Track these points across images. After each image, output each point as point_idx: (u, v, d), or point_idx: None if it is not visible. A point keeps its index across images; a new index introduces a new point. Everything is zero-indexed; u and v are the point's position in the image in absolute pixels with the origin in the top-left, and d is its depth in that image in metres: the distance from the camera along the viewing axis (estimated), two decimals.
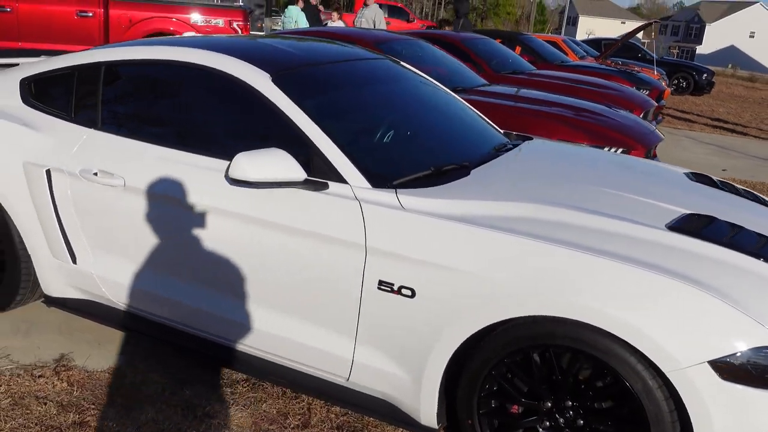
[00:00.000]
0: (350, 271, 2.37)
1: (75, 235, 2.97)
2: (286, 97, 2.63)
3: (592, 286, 2.05)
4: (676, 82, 17.68)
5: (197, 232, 2.63)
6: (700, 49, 69.71)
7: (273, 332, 2.59)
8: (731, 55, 64.06)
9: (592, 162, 3.11)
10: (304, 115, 2.59)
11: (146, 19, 9.41)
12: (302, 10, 10.39)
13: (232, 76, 2.74)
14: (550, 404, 2.23)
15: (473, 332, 2.21)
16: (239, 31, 9.69)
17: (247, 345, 2.68)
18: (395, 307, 2.33)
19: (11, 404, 2.61)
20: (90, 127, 2.97)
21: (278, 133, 2.61)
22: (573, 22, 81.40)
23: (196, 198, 2.62)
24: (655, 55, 8.68)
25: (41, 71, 3.20)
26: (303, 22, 10.27)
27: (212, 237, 2.61)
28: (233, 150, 2.57)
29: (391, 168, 2.59)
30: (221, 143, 2.72)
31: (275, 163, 2.38)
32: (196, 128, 2.81)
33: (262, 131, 2.69)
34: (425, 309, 2.27)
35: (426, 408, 2.38)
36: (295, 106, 2.61)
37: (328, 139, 2.53)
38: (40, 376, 2.81)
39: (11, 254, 3.11)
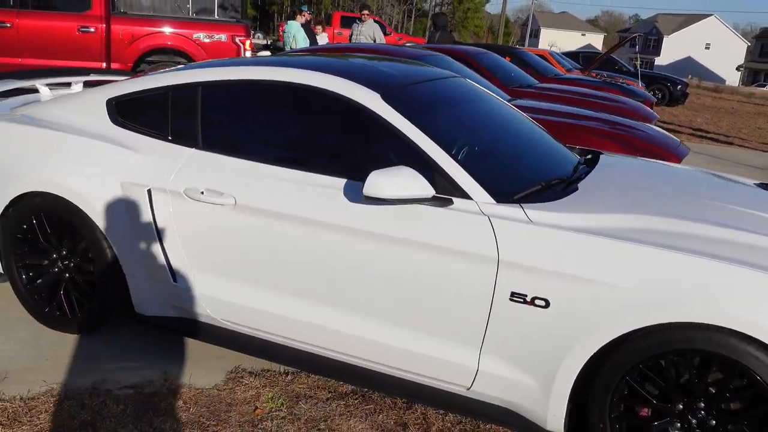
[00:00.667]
0: (481, 283, 2.45)
1: (175, 254, 3.00)
2: (399, 115, 2.72)
3: (728, 292, 2.17)
4: (651, 93, 18.18)
5: (315, 248, 2.69)
6: (658, 61, 71.66)
7: (392, 344, 2.66)
8: (688, 67, 65.92)
9: (674, 175, 3.25)
10: (421, 132, 2.68)
11: (148, 35, 9.38)
12: (302, 25, 10.47)
13: (342, 96, 2.81)
14: (681, 406, 2.34)
15: (609, 340, 2.31)
16: (242, 46, 9.72)
17: (363, 358, 2.74)
18: (527, 318, 2.42)
19: (135, 420, 2.62)
20: (190, 147, 3.00)
21: (394, 151, 2.69)
22: (535, 35, 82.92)
23: (313, 215, 2.68)
24: (639, 68, 8.97)
25: (129, 92, 3.23)
26: (301, 38, 10.34)
27: (330, 253, 2.67)
28: (346, 168, 2.67)
29: (505, 183, 2.69)
30: (333, 162, 2.78)
31: (407, 181, 2.46)
32: (306, 147, 2.87)
33: (375, 150, 2.76)
34: (560, 319, 2.37)
35: (553, 415, 2.47)
36: (410, 124, 2.69)
37: (448, 156, 2.62)
38: (152, 394, 2.83)
39: (104, 275, 3.11)
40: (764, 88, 38.01)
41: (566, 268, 2.34)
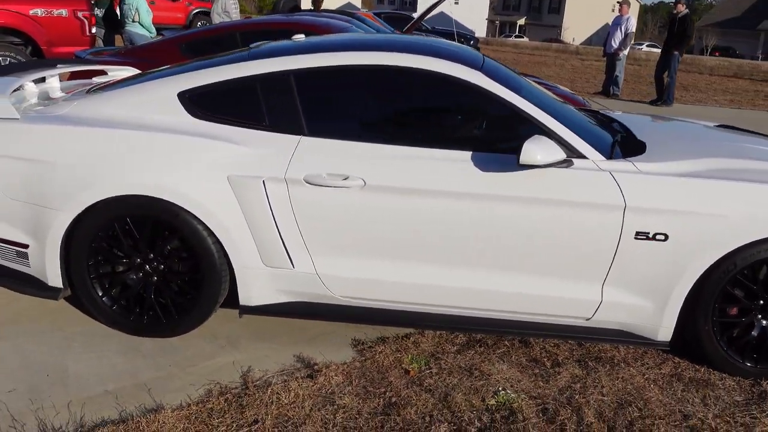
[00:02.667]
0: (611, 227, 2.93)
1: (294, 240, 3.07)
2: (509, 90, 3.06)
3: None
4: None
5: (455, 217, 2.96)
6: (415, 15, 75.79)
7: (525, 292, 3.05)
8: (442, 21, 70.76)
9: (692, 127, 3.97)
10: (531, 104, 3.05)
11: None
12: None
13: (450, 75, 3.06)
14: (762, 302, 3.06)
15: (716, 260, 2.94)
16: (86, 21, 8.95)
17: (496, 309, 3.10)
18: (649, 251, 2.96)
19: (315, 406, 2.74)
20: (296, 134, 3.06)
21: (508, 124, 3.03)
22: None
23: (446, 186, 2.94)
24: (454, 28, 9.75)
25: (204, 84, 3.15)
26: (144, 10, 9.70)
27: (468, 219, 2.96)
28: (468, 142, 2.99)
29: (599, 143, 3.17)
30: (455, 137, 3.05)
31: (550, 148, 2.84)
32: (421, 125, 3.09)
33: (492, 124, 3.08)
34: (677, 248, 2.94)
35: (665, 328, 3.07)
36: (521, 98, 3.05)
37: (560, 124, 3.03)
38: (308, 377, 2.93)
39: (211, 271, 3.08)
40: (523, 39, 42.33)
41: (681, 206, 2.91)
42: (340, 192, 2.99)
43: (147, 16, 9.68)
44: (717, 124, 4.26)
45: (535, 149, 2.81)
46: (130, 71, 4.40)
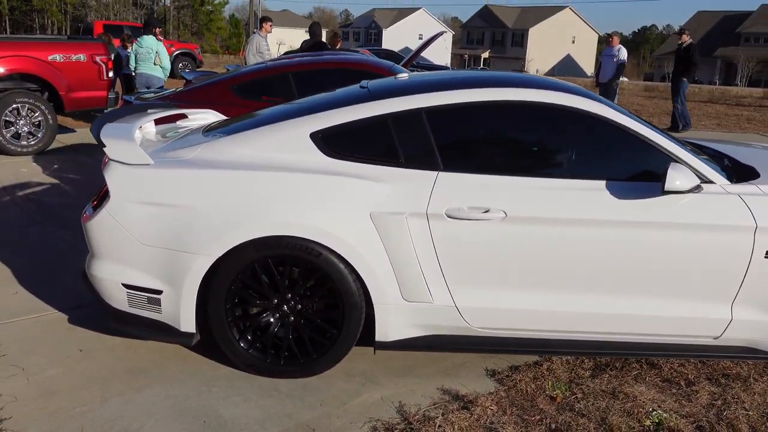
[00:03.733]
0: (742, 248, 3.05)
1: (434, 274, 3.12)
2: (635, 121, 3.19)
3: None
4: None
5: (591, 244, 3.05)
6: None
7: (657, 314, 3.13)
8: (406, 55, 71.97)
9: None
10: (657, 133, 3.18)
11: (4, 58, 8.23)
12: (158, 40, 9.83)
13: (584, 110, 3.17)
14: None
15: None
16: (103, 66, 8.95)
17: (629, 333, 3.17)
18: None
19: None
20: (433, 170, 3.13)
21: (638, 152, 3.15)
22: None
23: (586, 215, 3.03)
24: (442, 62, 10.01)
25: (335, 124, 3.22)
26: (164, 53, 9.74)
27: (608, 245, 3.05)
28: (595, 172, 3.11)
29: (719, 168, 3.31)
30: (584, 166, 3.15)
31: (687, 175, 2.97)
32: (555, 157, 3.20)
33: (616, 153, 3.19)
34: None
35: None
36: (648, 128, 3.18)
37: (685, 151, 3.16)
38: (463, 408, 2.96)
39: (352, 309, 3.11)
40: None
41: None
42: (481, 225, 3.06)
43: (166, 58, 9.71)
44: None
45: (678, 176, 2.93)
46: (213, 114, 4.44)
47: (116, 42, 12.26)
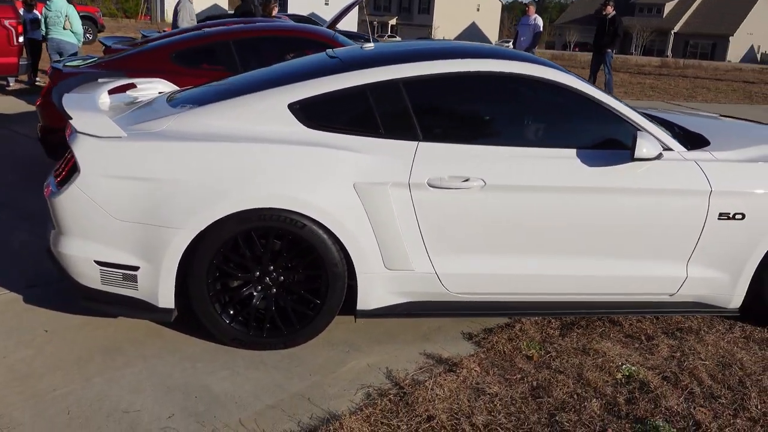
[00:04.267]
0: (698, 210, 3.29)
1: (414, 242, 3.19)
2: (599, 91, 3.34)
3: None
4: None
5: (568, 209, 3.20)
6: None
7: (621, 274, 3.34)
8: (316, 21, 70.91)
9: (726, 121, 4.42)
10: (622, 104, 3.35)
11: None
12: (69, 1, 9.23)
13: (558, 81, 3.30)
14: None
15: None
16: (12, 30, 8.38)
17: (594, 292, 3.37)
18: (728, 230, 3.34)
19: (470, 397, 2.89)
20: (412, 140, 3.18)
21: (605, 122, 3.32)
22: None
23: (562, 182, 3.18)
24: (346, 28, 10.01)
25: (313, 94, 3.20)
26: (75, 16, 9.17)
27: (580, 211, 3.21)
28: (568, 140, 3.26)
29: (674, 136, 3.52)
30: (557, 136, 3.29)
31: (653, 142, 3.15)
32: (530, 127, 3.30)
33: (585, 122, 3.33)
34: (751, 226, 3.34)
35: (738, 296, 3.48)
36: (609, 97, 3.35)
37: (646, 120, 3.35)
38: (449, 371, 3.07)
39: (336, 279, 3.14)
40: (396, 39, 43.20)
41: (756, 188, 3.31)
42: (461, 193, 3.14)
43: (78, 23, 9.17)
44: (721, 115, 4.78)
45: (646, 144, 3.11)
46: (162, 83, 4.28)
47: (19, 4, 11.45)
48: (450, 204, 3.15)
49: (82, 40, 9.39)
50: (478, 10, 75.12)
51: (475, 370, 3.07)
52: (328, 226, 3.05)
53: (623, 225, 3.26)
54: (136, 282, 3.09)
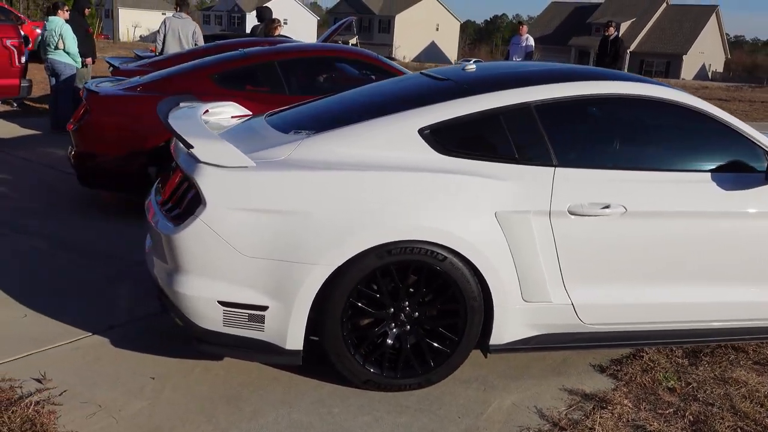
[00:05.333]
0: None
1: (553, 272, 3.04)
2: (730, 116, 3.27)
3: None
4: None
5: (708, 235, 3.09)
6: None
7: (756, 300, 3.24)
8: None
9: None
10: (748, 127, 3.28)
11: None
12: (67, 21, 8.84)
13: (681, 102, 3.20)
14: None
15: None
16: (14, 51, 8.00)
17: (732, 319, 3.26)
18: None
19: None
20: (550, 166, 3.04)
21: (734, 145, 3.24)
22: (108, 15, 78.73)
23: (701, 207, 3.07)
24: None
25: (444, 119, 3.04)
26: (70, 36, 8.78)
27: (722, 236, 3.11)
28: (704, 164, 3.18)
29: None
30: (693, 160, 3.19)
31: None
32: (668, 151, 3.19)
33: (719, 146, 3.24)
34: None
35: None
36: (740, 121, 3.28)
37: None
38: (600, 407, 2.92)
39: (474, 314, 2.97)
40: None
41: None
42: (601, 220, 3.01)
43: (73, 43, 8.79)
44: None
45: None
46: (234, 107, 4.07)
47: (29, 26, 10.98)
48: (590, 232, 3.01)
49: (80, 60, 9.01)
50: (437, 29, 75.94)
51: (627, 406, 2.93)
52: (470, 258, 2.88)
53: (761, 248, 3.17)
54: (263, 323, 2.86)
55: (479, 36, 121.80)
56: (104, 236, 4.89)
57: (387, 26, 73.43)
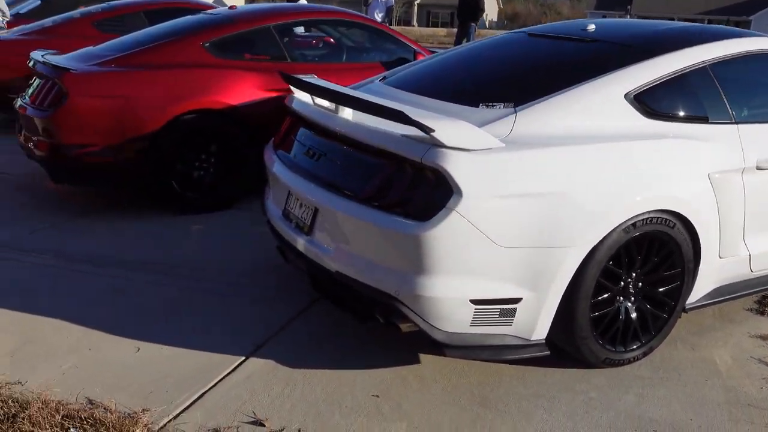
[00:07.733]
0: None
1: (741, 227, 3.13)
2: None
3: None
4: None
5: None
6: None
7: None
8: None
9: None
10: None
11: None
12: None
13: None
14: None
15: None
16: None
17: None
18: None
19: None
20: (732, 123, 3.10)
21: None
22: None
23: None
24: None
25: (647, 82, 2.96)
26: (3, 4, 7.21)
27: None
28: None
29: None
30: None
31: None
32: None
33: None
34: None
35: None
36: None
37: None
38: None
39: (689, 278, 2.99)
40: None
41: None
42: None
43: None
44: None
45: None
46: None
47: None
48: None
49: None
50: None
51: None
52: (693, 222, 2.88)
53: None
54: (513, 317, 2.64)
55: None
56: (135, 242, 4.14)
57: None
